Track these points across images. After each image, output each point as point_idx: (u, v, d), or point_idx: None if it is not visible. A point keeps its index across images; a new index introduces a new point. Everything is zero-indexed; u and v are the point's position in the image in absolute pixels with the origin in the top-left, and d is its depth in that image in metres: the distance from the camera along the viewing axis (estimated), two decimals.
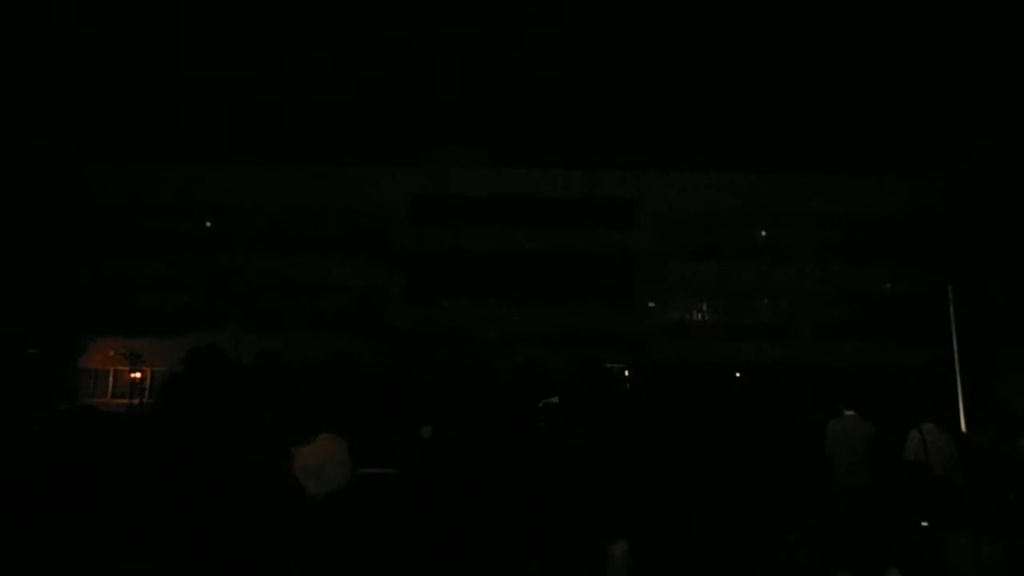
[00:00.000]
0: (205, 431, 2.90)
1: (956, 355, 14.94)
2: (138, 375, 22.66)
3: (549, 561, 2.86)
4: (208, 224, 24.60)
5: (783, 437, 5.65)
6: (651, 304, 23.98)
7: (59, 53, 25.89)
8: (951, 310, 15.62)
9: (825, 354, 21.58)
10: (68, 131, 23.92)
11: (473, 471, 2.94)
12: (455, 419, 3.86)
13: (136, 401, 21.04)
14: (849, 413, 5.84)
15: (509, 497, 2.85)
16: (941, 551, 3.04)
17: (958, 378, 14.14)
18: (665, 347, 22.49)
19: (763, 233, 24.47)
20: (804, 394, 17.11)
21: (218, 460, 2.61)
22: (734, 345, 22.59)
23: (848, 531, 3.03)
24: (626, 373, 20.99)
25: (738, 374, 19.95)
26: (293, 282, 23.59)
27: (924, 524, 3.23)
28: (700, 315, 24.22)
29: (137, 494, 2.42)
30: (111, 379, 23.06)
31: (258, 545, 2.35)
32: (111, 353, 22.70)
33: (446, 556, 2.15)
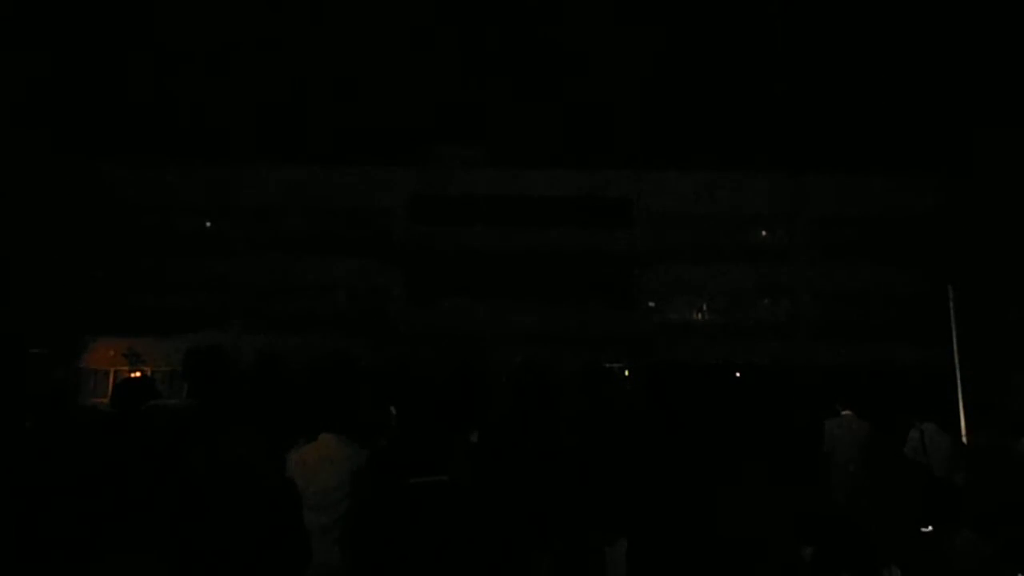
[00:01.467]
0: (198, 429, 2.92)
1: (956, 355, 14.90)
2: (138, 375, 22.67)
3: (559, 556, 2.87)
4: (208, 224, 24.61)
5: (782, 437, 5.65)
6: (651, 304, 23.98)
7: (57, 52, 25.86)
8: (951, 310, 15.59)
9: (825, 354, 21.57)
10: (67, 131, 23.89)
11: (521, 477, 2.97)
12: (492, 425, 3.87)
13: None
14: (846, 413, 5.85)
15: (532, 496, 2.87)
16: (941, 551, 3.04)
17: (958, 378, 14.11)
18: (665, 347, 22.48)
19: (763, 233, 24.48)
20: (804, 394, 17.11)
21: (212, 458, 2.62)
22: (734, 345, 22.59)
23: (846, 531, 3.03)
24: (626, 373, 21.01)
25: (738, 374, 19.92)
26: (293, 282, 23.59)
27: (925, 527, 3.23)
28: (700, 315, 24.22)
29: (132, 491, 2.43)
30: (111, 379, 23.06)
31: (247, 541, 2.36)
32: (111, 353, 22.69)
33: (486, 555, 2.16)
